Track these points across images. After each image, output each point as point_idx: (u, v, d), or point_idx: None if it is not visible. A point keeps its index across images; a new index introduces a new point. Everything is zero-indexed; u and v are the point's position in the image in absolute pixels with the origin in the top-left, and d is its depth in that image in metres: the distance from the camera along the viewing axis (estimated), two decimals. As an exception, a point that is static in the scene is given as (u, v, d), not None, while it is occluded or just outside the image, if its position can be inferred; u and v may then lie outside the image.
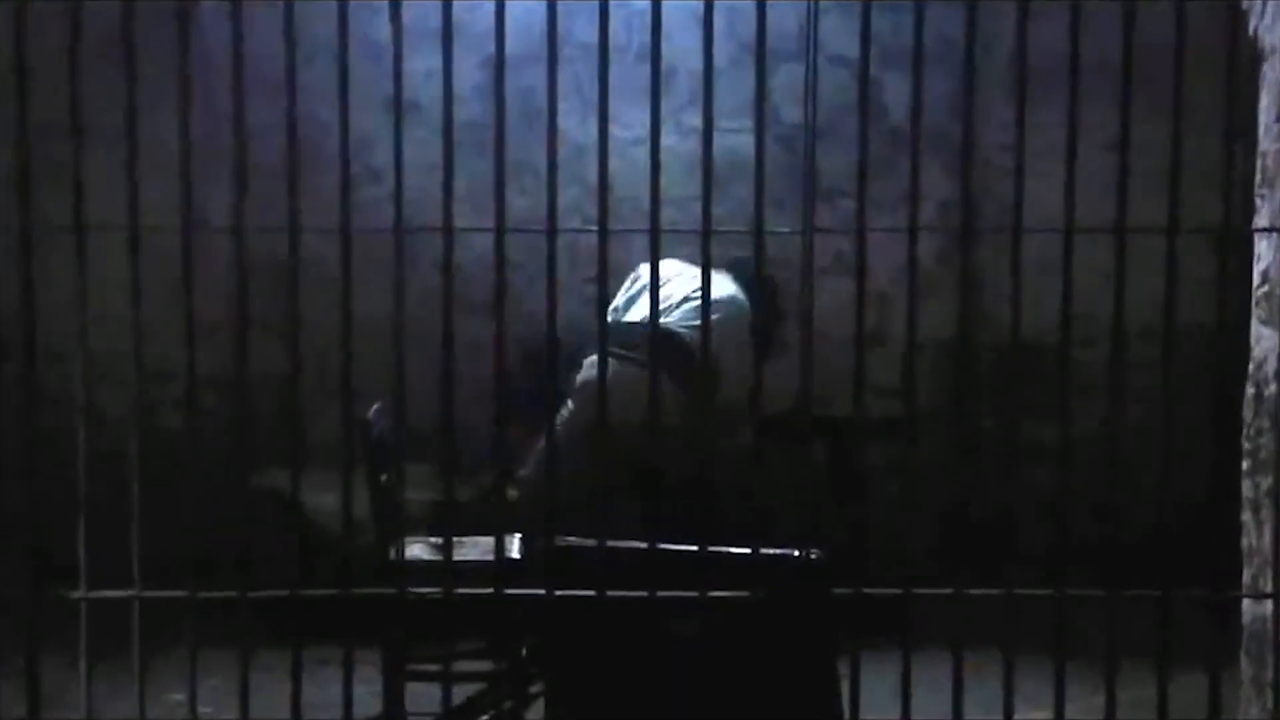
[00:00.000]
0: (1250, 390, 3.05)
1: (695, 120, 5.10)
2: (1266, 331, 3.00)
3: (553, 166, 2.71)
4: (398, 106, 2.72)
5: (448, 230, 2.68)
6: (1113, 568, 2.76)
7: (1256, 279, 3.07)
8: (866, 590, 2.72)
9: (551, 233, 2.71)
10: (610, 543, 2.85)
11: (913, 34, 2.70)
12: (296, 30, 2.73)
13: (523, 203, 4.79)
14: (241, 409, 2.88)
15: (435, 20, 5.10)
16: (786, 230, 2.87)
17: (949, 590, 2.74)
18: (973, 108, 2.77)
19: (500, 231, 2.67)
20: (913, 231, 2.68)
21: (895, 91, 5.35)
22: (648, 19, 2.70)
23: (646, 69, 2.74)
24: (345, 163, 2.69)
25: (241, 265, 2.72)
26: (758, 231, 2.70)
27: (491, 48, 5.19)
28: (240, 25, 2.68)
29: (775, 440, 3.33)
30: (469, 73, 4.74)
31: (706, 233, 2.75)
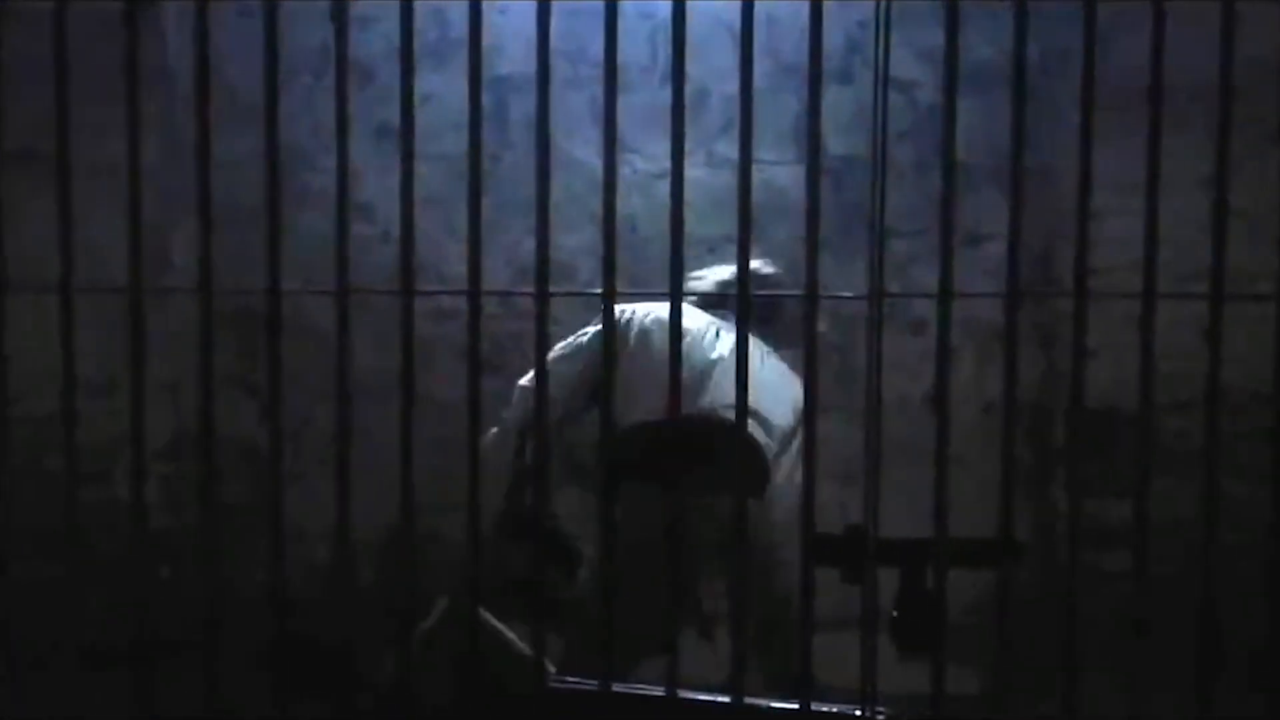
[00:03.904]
0: None
1: (729, 150, 4.51)
2: None
3: (543, 218, 2.11)
4: (341, 136, 2.11)
5: (408, 293, 2.06)
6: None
7: None
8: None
9: (542, 296, 2.10)
10: (617, 688, 2.26)
11: (1012, 65, 2.10)
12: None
13: (534, 244, 4.17)
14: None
15: (430, 34, 4.44)
16: (850, 295, 2.24)
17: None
18: (1089, 150, 2.15)
19: (476, 295, 2.05)
20: (1013, 297, 2.04)
21: (958, 118, 4.72)
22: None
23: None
24: (274, 209, 2.08)
25: (138, 326, 2.11)
26: (811, 295, 2.07)
27: (498, 67, 4.56)
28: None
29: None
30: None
31: (744, 296, 2.12)
